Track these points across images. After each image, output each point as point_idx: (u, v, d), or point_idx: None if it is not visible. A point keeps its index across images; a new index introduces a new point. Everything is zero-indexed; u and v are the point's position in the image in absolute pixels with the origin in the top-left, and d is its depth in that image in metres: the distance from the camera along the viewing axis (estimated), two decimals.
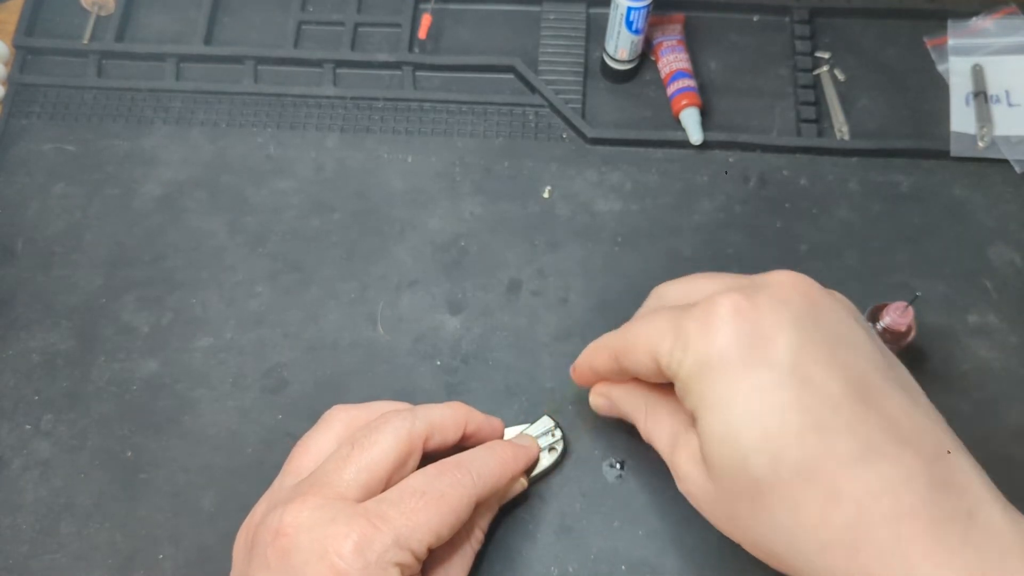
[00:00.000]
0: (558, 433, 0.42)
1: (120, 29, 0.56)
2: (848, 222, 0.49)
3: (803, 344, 0.29)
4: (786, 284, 0.31)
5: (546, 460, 0.42)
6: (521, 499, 0.42)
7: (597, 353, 0.37)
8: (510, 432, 0.42)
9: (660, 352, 0.32)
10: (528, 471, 0.41)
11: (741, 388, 0.29)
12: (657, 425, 0.36)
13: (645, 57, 0.54)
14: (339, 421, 0.38)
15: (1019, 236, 0.48)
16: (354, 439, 0.35)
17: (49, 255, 0.49)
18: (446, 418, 0.37)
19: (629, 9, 0.48)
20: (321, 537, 0.31)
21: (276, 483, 0.37)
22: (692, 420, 0.32)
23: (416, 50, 0.55)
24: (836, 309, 0.31)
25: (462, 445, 0.39)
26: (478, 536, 0.38)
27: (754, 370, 0.29)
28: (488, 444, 0.39)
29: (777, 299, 0.30)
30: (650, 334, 0.32)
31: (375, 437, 0.35)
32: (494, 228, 0.49)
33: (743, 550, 0.41)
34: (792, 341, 0.29)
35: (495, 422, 0.41)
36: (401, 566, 0.32)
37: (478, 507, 0.37)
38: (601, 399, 0.40)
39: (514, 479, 0.39)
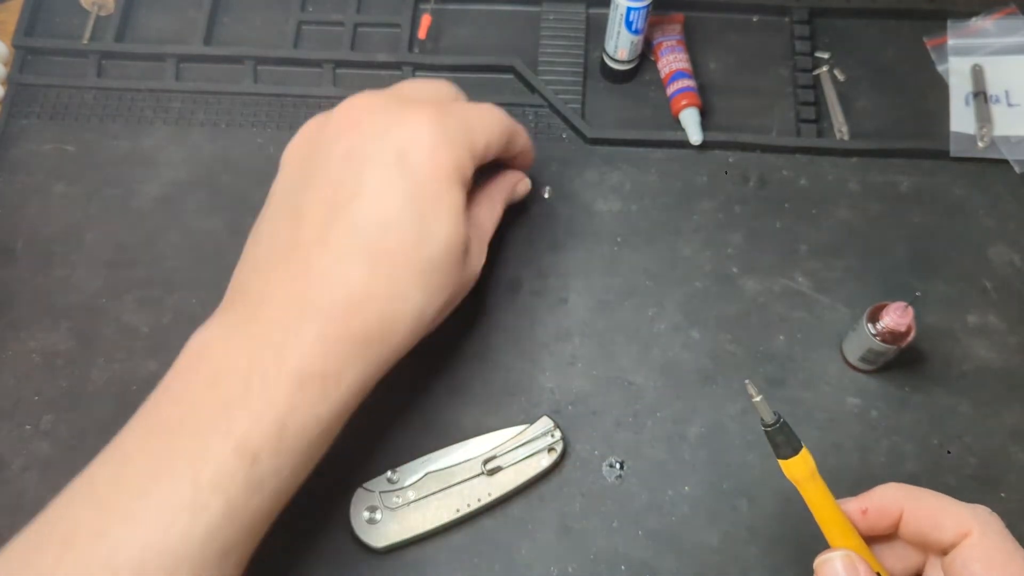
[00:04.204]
0: (557, 434, 0.42)
1: (120, 29, 0.56)
2: (848, 222, 0.49)
3: None
4: None
5: (546, 460, 0.42)
6: (521, 499, 0.42)
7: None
8: (508, 432, 0.42)
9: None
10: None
11: None
12: None
13: (645, 57, 0.54)
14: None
15: (1019, 236, 0.48)
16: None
17: (49, 255, 0.49)
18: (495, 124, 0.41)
19: (629, 9, 0.48)
20: (397, 111, 0.37)
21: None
22: None
23: (416, 50, 0.55)
24: None
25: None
26: (498, 210, 0.44)
27: None
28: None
29: None
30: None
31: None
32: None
33: (743, 551, 0.41)
34: None
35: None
36: (463, 173, 0.37)
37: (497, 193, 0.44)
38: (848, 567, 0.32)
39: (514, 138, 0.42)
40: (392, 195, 0.35)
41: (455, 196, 0.37)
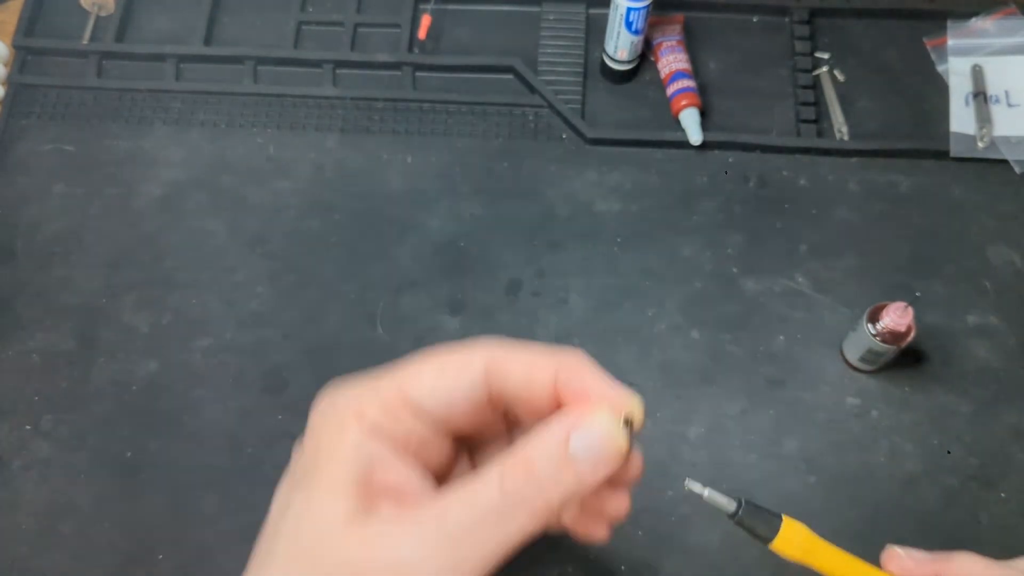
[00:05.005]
0: None
1: (120, 29, 0.56)
2: (848, 222, 0.49)
3: None
4: None
5: None
6: None
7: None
8: None
9: None
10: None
11: None
12: None
13: (645, 57, 0.54)
14: None
15: (1019, 236, 0.48)
16: None
17: (49, 255, 0.49)
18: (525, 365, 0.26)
19: (629, 10, 0.48)
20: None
21: None
22: None
23: (416, 50, 0.55)
24: None
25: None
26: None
27: None
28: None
29: None
30: None
31: None
32: (494, 228, 0.49)
33: (742, 552, 0.41)
34: None
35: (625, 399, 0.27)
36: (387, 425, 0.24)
37: None
38: None
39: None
40: None
41: None
